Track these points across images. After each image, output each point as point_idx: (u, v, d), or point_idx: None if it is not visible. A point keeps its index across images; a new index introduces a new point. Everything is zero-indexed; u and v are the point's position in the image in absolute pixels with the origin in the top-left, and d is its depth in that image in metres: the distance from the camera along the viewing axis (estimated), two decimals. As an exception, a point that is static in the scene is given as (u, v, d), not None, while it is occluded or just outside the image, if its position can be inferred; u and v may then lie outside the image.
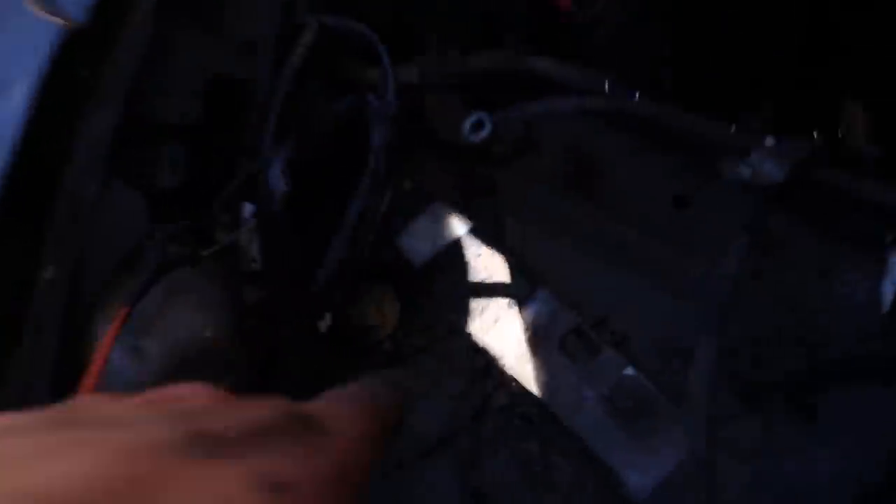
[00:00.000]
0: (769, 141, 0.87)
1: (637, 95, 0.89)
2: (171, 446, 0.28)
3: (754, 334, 0.86)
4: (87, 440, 0.27)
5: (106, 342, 0.63)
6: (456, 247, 0.94)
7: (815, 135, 1.19)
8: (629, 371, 0.86)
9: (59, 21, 0.67)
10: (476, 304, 0.91)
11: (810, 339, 0.90)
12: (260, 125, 0.77)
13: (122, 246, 0.68)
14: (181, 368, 0.72)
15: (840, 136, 1.13)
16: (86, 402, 0.31)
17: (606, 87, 0.93)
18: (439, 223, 0.95)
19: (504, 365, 0.89)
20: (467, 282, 0.93)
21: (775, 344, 0.90)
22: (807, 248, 0.95)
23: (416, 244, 0.95)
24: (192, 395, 0.33)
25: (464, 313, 0.92)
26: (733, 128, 0.88)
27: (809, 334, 0.89)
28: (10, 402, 0.62)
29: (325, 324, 1.03)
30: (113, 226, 0.68)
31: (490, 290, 0.92)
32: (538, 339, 0.88)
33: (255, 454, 0.29)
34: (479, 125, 0.89)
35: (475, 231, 0.95)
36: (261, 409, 0.32)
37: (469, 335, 0.92)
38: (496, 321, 0.90)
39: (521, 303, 0.90)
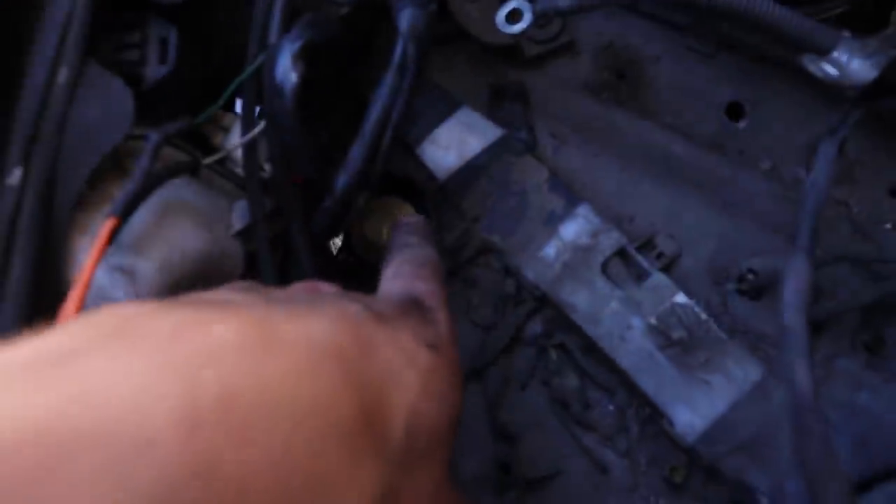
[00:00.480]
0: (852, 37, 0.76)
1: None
2: (366, 316, 0.41)
3: (825, 257, 0.76)
4: (313, 312, 0.39)
5: (90, 262, 0.52)
6: (486, 157, 0.82)
7: None
8: (680, 297, 0.76)
9: None
10: (509, 222, 0.81)
11: (879, 266, 0.80)
12: (266, 4, 0.65)
13: (104, 147, 0.57)
14: (176, 290, 0.62)
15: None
16: (295, 289, 0.51)
17: (660, -26, 0.82)
18: (467, 130, 0.84)
19: (539, 290, 0.79)
20: (499, 196, 0.82)
21: (839, 272, 0.81)
22: (877, 164, 0.85)
23: (440, 154, 0.84)
24: (327, 286, 0.51)
25: (493, 232, 0.81)
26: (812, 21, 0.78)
27: (878, 260, 0.79)
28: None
29: (335, 243, 0.93)
30: (92, 121, 0.57)
31: (523, 205, 0.81)
32: (578, 262, 0.78)
33: (405, 325, 0.44)
34: (516, 15, 0.77)
35: (507, 139, 0.84)
36: (390, 295, 0.51)
37: (499, 257, 0.82)
38: (530, 241, 0.80)
39: (559, 220, 0.80)
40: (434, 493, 0.41)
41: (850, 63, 0.68)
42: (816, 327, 0.79)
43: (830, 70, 0.67)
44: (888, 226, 0.83)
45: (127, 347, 0.32)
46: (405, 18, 0.63)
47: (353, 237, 0.89)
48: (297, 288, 0.51)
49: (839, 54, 0.69)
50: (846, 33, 0.77)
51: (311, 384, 0.34)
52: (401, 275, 0.54)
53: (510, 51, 0.89)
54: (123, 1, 0.61)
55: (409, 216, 0.69)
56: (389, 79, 0.65)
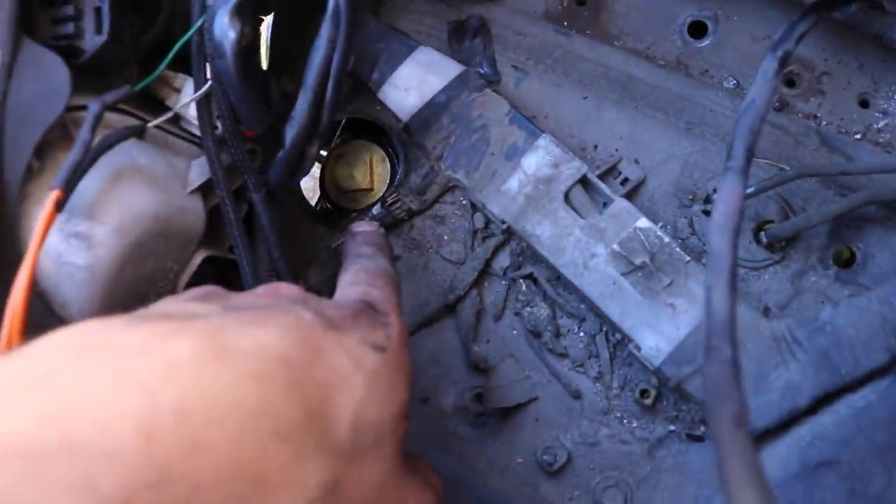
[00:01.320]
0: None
1: None
2: (316, 323, 0.45)
3: (786, 174, 0.76)
4: (265, 319, 0.43)
5: (39, 231, 0.55)
6: (446, 94, 0.83)
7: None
8: (643, 222, 0.77)
9: None
10: (472, 158, 0.82)
11: (846, 178, 0.80)
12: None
13: (45, 121, 0.59)
14: (137, 250, 0.64)
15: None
16: (255, 293, 0.54)
17: None
18: (426, 70, 0.84)
19: (505, 223, 0.80)
20: (461, 133, 0.82)
21: (806, 186, 0.80)
22: (843, 73, 0.83)
23: (402, 95, 0.85)
24: (288, 289, 0.53)
25: (459, 168, 0.82)
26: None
27: (844, 172, 0.78)
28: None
29: (312, 193, 0.94)
30: (30, 98, 0.59)
31: (485, 140, 0.82)
32: (541, 192, 0.79)
33: (355, 329, 0.48)
34: (459, -50, 0.76)
35: (467, 75, 0.84)
36: (345, 301, 0.54)
37: (466, 192, 0.83)
38: (494, 175, 0.81)
39: (521, 153, 0.80)
40: (382, 481, 0.45)
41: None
42: (785, 244, 0.79)
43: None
44: (857, 136, 0.82)
45: (91, 366, 0.37)
46: (333, -34, 0.63)
47: (326, 183, 0.91)
48: (258, 292, 0.54)
49: (786, -36, 0.67)
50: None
51: (257, 390, 0.39)
52: (356, 282, 0.59)
53: (468, -16, 0.89)
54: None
55: (361, 224, 0.72)
56: (325, 29, 0.66)
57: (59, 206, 0.56)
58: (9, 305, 0.53)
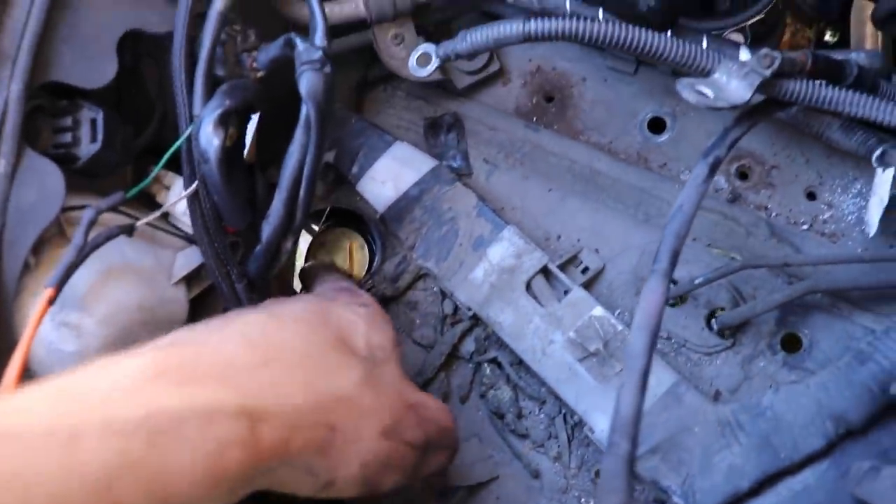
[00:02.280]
0: (743, 53, 0.81)
1: (600, 13, 0.82)
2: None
3: (734, 265, 0.81)
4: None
5: (31, 325, 0.61)
6: (419, 188, 0.89)
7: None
8: (598, 311, 0.82)
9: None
10: (442, 248, 0.88)
11: (794, 267, 0.84)
12: (186, 81, 0.73)
13: (41, 224, 0.66)
14: (122, 338, 0.70)
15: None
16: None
17: (567, 5, 0.87)
18: (401, 164, 0.91)
19: (471, 310, 0.85)
20: (432, 224, 0.89)
21: (756, 274, 0.85)
22: (791, 168, 0.89)
23: (379, 188, 0.91)
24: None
25: (429, 258, 0.88)
26: (704, 43, 0.82)
27: (787, 263, 0.83)
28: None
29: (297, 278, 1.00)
30: (29, 203, 0.66)
31: (455, 231, 0.88)
32: (504, 282, 0.84)
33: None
34: (425, 59, 0.83)
35: (439, 170, 0.90)
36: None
37: (436, 280, 0.89)
38: (461, 265, 0.87)
39: (487, 244, 0.86)
40: (397, 380, 0.66)
41: (730, 83, 0.72)
42: (735, 330, 0.84)
43: (706, 92, 0.72)
44: (805, 227, 0.87)
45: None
46: (304, 82, 0.70)
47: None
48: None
49: (719, 75, 0.73)
50: (743, 48, 0.82)
51: (307, 328, 0.63)
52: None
53: (443, 83, 0.96)
54: (56, 91, 0.70)
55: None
56: (298, 136, 0.72)
57: (52, 301, 0.63)
58: (1, 388, 0.59)
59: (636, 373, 0.54)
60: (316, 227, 1.01)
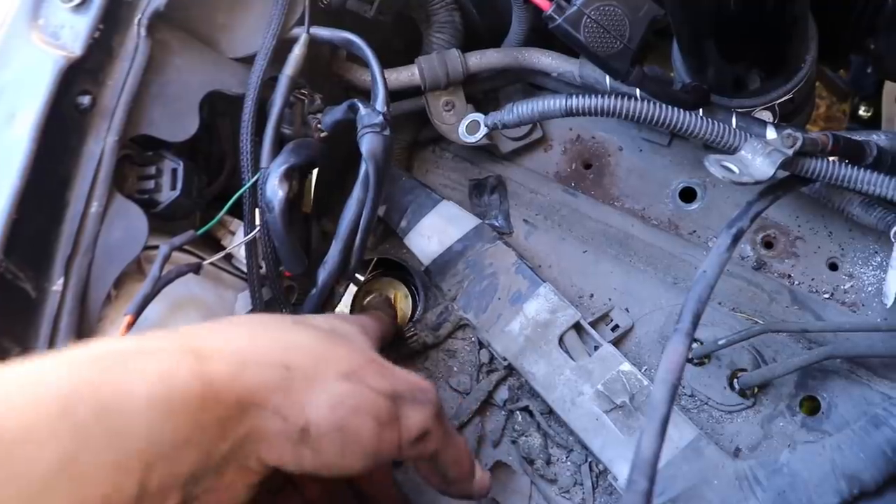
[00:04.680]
0: (769, 132, 0.86)
1: (637, 93, 0.89)
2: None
3: (756, 328, 0.86)
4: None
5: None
6: (463, 244, 0.96)
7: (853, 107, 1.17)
8: (626, 366, 0.87)
9: (59, 53, 0.72)
10: (481, 301, 0.94)
11: (814, 333, 0.89)
12: (253, 137, 0.81)
13: (125, 260, 0.74)
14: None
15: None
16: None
17: (607, 82, 0.94)
18: (447, 222, 0.98)
19: (506, 360, 0.91)
20: (473, 278, 0.95)
21: (777, 338, 0.90)
22: (814, 239, 0.94)
23: (425, 242, 0.98)
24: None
25: (469, 309, 0.94)
26: (733, 121, 0.88)
27: (806, 329, 0.88)
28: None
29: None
30: (117, 240, 0.74)
31: (495, 286, 0.94)
32: (538, 336, 0.90)
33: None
34: (474, 127, 0.91)
35: (482, 228, 0.97)
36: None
37: (474, 331, 0.94)
38: (499, 317, 0.93)
39: (523, 299, 0.92)
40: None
41: (754, 160, 0.78)
42: (756, 390, 0.88)
43: (732, 167, 0.78)
44: (826, 296, 0.92)
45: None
46: (365, 143, 0.78)
47: (356, 312, 1.03)
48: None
49: (745, 152, 0.79)
50: (770, 126, 0.88)
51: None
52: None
53: (488, 147, 1.03)
54: (143, 143, 0.78)
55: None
56: (356, 191, 0.80)
57: (130, 327, 0.70)
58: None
59: (656, 420, 0.59)
60: (361, 277, 1.08)
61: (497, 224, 1.00)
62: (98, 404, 0.43)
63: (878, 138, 0.88)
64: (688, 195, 0.99)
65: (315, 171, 0.90)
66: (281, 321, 0.63)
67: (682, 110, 0.81)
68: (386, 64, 0.86)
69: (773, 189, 0.82)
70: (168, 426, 0.45)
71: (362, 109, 0.80)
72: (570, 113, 0.83)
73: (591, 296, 0.96)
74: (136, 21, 0.76)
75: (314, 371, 0.55)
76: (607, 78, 0.94)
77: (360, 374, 0.58)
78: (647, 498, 0.53)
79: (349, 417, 0.55)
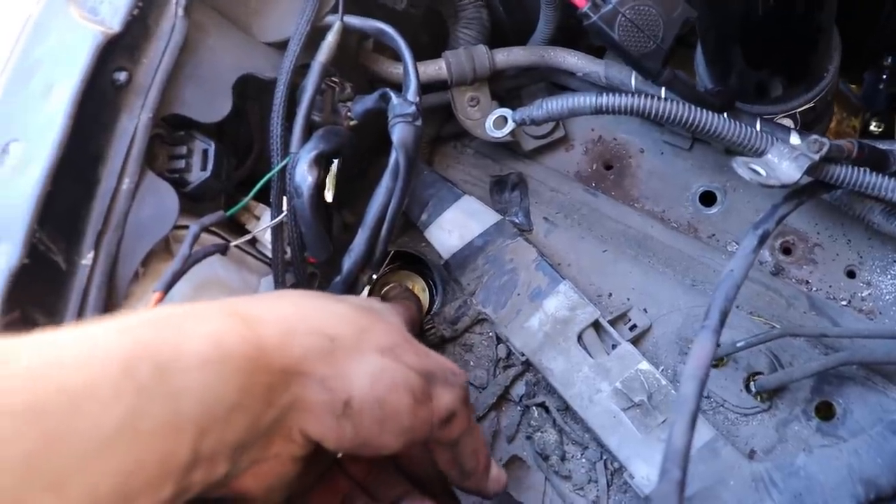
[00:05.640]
0: (793, 137, 0.87)
1: (662, 92, 0.90)
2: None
3: (773, 332, 0.86)
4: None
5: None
6: (483, 239, 0.96)
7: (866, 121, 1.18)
8: (644, 365, 0.87)
9: (97, 28, 0.72)
10: (500, 296, 0.94)
11: (831, 339, 0.90)
12: (283, 123, 0.81)
13: (155, 237, 0.73)
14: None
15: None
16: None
17: (633, 83, 0.95)
18: (468, 216, 0.98)
19: (524, 356, 0.91)
20: (493, 274, 0.95)
21: (794, 343, 0.90)
22: (833, 246, 0.94)
23: (445, 236, 0.98)
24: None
25: (488, 304, 0.94)
26: (758, 126, 0.89)
27: (824, 334, 0.89)
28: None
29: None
30: (147, 217, 0.73)
31: (514, 282, 0.94)
32: (557, 332, 0.90)
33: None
34: (501, 122, 0.91)
35: (503, 224, 0.97)
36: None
37: (492, 326, 0.95)
38: (518, 313, 0.93)
39: (543, 296, 0.93)
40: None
41: (781, 164, 0.79)
42: (772, 394, 0.89)
43: (759, 170, 0.78)
44: (843, 303, 0.93)
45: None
46: (396, 133, 0.78)
47: (372, 306, 1.04)
48: None
49: (772, 156, 0.80)
50: (793, 132, 0.89)
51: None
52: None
53: (510, 145, 1.04)
54: (174, 122, 0.78)
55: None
56: (385, 180, 0.80)
57: (158, 304, 0.70)
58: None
59: (686, 413, 0.59)
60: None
61: (517, 221, 1.01)
62: (157, 365, 0.42)
63: (900, 148, 0.89)
64: (708, 199, 1.00)
65: (337, 161, 0.90)
66: (322, 295, 0.63)
67: (711, 112, 0.81)
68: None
69: (797, 193, 0.83)
70: (221, 389, 0.45)
71: (394, 99, 0.80)
72: (599, 110, 0.83)
73: (610, 295, 0.96)
74: (174, 1, 0.76)
75: (356, 343, 0.55)
76: (633, 79, 0.95)
77: (398, 350, 0.57)
78: (681, 487, 0.53)
79: (388, 392, 0.54)
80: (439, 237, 0.99)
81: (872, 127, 1.19)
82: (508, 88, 1.06)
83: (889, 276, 0.92)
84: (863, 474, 0.78)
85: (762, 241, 0.77)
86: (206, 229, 0.77)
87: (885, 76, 1.11)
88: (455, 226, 0.98)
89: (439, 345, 0.96)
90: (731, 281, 0.72)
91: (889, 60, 1.09)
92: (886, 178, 0.80)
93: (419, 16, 0.98)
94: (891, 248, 0.92)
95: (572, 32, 1.04)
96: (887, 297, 0.91)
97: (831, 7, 0.83)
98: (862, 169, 0.81)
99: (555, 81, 1.06)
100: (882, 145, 0.86)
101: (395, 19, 0.90)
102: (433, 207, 1.00)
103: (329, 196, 0.91)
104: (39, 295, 0.67)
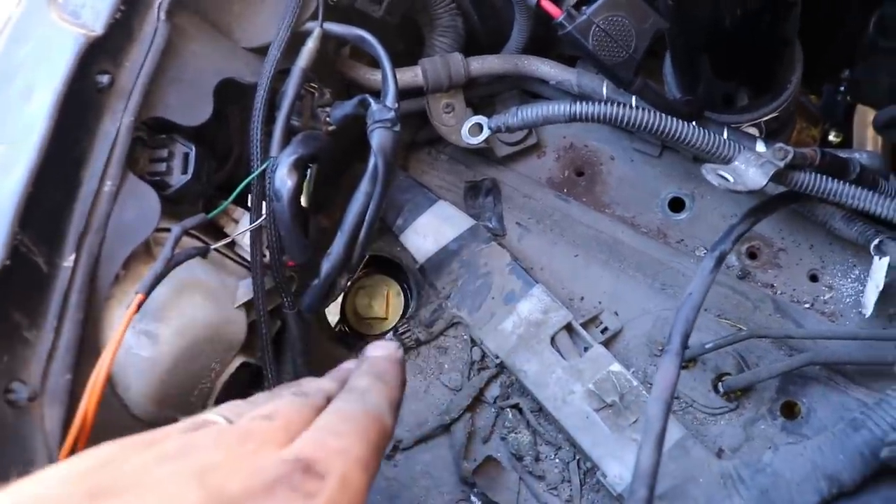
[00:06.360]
0: (759, 145, 0.90)
1: (633, 101, 0.92)
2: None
3: (740, 334, 0.89)
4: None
5: (122, 327, 0.68)
6: (458, 243, 0.98)
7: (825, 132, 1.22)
8: (616, 367, 0.90)
9: (79, 31, 0.72)
10: (475, 300, 0.96)
11: (794, 341, 0.93)
12: (266, 127, 0.82)
13: (137, 240, 0.74)
14: (191, 350, 0.78)
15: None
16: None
17: (604, 91, 0.97)
18: (442, 221, 1.00)
19: (498, 358, 0.93)
20: (467, 277, 0.97)
21: (760, 345, 0.93)
22: (796, 251, 0.98)
23: (420, 240, 1.00)
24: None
25: (463, 308, 0.96)
26: (725, 134, 0.92)
27: (789, 336, 0.92)
28: (31, 379, 0.68)
29: (333, 315, 1.08)
30: (128, 219, 0.74)
31: (488, 286, 0.96)
32: (530, 335, 0.92)
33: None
34: (477, 129, 0.93)
35: (477, 229, 0.99)
36: (274, 461, 0.41)
37: (467, 329, 0.96)
38: (492, 316, 0.95)
39: (517, 299, 0.94)
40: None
41: (748, 170, 0.82)
42: (739, 394, 0.91)
43: (727, 176, 0.81)
44: (807, 305, 0.96)
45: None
46: (375, 138, 0.79)
47: (346, 309, 1.05)
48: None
49: (739, 163, 0.83)
50: (759, 140, 0.92)
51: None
52: (318, 427, 0.45)
53: (483, 151, 1.06)
54: (156, 126, 0.79)
55: (377, 346, 0.60)
56: (364, 184, 0.81)
57: (140, 306, 0.70)
58: (90, 383, 0.65)
59: (653, 434, 0.62)
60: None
61: (491, 226, 1.02)
62: None
63: (859, 156, 0.93)
64: (676, 205, 1.02)
65: (313, 167, 0.91)
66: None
67: (682, 121, 0.84)
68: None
69: (754, 212, 0.86)
70: None
71: (374, 105, 0.81)
72: (573, 118, 0.86)
73: (582, 298, 0.99)
74: (156, 5, 0.77)
75: None
76: (604, 88, 0.98)
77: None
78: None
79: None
80: (414, 241, 1.00)
81: (831, 137, 1.23)
82: (482, 96, 1.08)
83: (849, 280, 0.95)
84: (826, 470, 0.80)
85: (720, 262, 0.80)
86: (188, 231, 0.78)
87: (843, 88, 1.16)
88: (430, 230, 1.00)
89: (414, 348, 0.97)
90: (690, 304, 0.75)
91: (847, 73, 1.14)
92: (847, 184, 0.84)
93: (395, 24, 0.99)
94: (850, 252, 0.96)
95: (543, 42, 1.07)
96: (847, 300, 0.95)
97: (795, 20, 0.87)
98: (824, 176, 0.85)
99: (527, 89, 1.08)
100: (842, 154, 0.90)
101: (372, 27, 0.92)
102: (408, 212, 1.01)
103: (304, 200, 0.92)
104: (20, 296, 0.67)
